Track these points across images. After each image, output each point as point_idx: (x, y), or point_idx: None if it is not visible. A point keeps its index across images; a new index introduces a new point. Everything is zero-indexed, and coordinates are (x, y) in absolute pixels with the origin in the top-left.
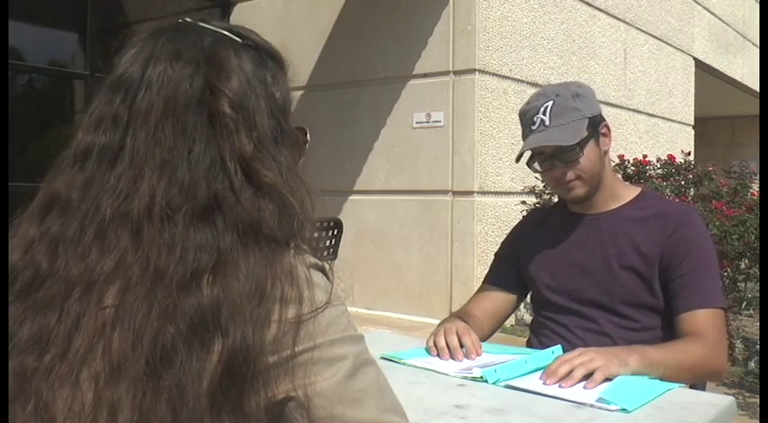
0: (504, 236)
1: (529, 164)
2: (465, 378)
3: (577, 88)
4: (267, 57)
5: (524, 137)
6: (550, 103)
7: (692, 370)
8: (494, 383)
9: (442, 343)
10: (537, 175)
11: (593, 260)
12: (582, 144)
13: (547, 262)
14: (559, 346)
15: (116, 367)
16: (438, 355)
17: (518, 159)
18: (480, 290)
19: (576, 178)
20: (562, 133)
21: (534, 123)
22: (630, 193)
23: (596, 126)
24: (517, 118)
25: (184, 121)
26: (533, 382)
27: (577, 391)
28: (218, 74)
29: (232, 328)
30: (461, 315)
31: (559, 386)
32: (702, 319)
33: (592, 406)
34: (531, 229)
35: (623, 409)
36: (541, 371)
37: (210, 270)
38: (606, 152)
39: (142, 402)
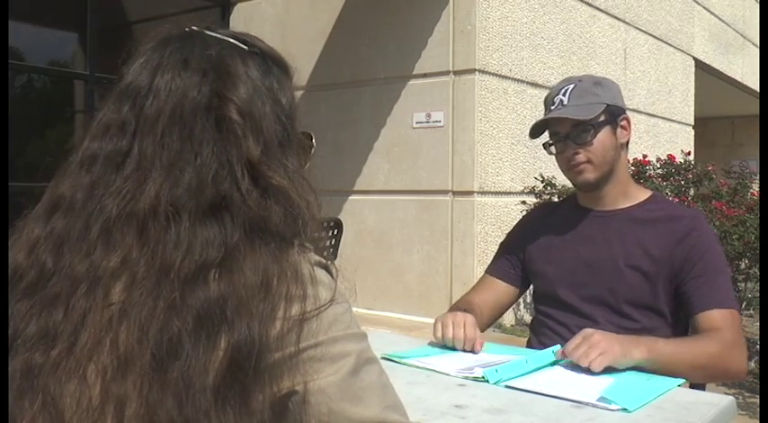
0: (505, 235)
1: (545, 146)
2: (466, 378)
3: (602, 79)
4: (273, 64)
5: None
6: (572, 85)
7: (704, 368)
8: (495, 383)
9: (459, 334)
10: (537, 175)
11: (600, 257)
12: (596, 126)
13: (552, 255)
14: (559, 345)
15: (123, 361)
16: (452, 349)
17: (531, 135)
18: (482, 280)
19: (587, 161)
20: (576, 111)
21: (554, 103)
22: (642, 194)
23: (615, 116)
24: (517, 118)
25: (192, 127)
26: (533, 381)
27: (578, 391)
28: (226, 82)
29: (237, 322)
30: (464, 306)
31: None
32: (720, 318)
33: (593, 406)
34: (539, 221)
35: (624, 409)
36: (542, 371)
37: (217, 265)
38: (623, 145)
39: (149, 395)
